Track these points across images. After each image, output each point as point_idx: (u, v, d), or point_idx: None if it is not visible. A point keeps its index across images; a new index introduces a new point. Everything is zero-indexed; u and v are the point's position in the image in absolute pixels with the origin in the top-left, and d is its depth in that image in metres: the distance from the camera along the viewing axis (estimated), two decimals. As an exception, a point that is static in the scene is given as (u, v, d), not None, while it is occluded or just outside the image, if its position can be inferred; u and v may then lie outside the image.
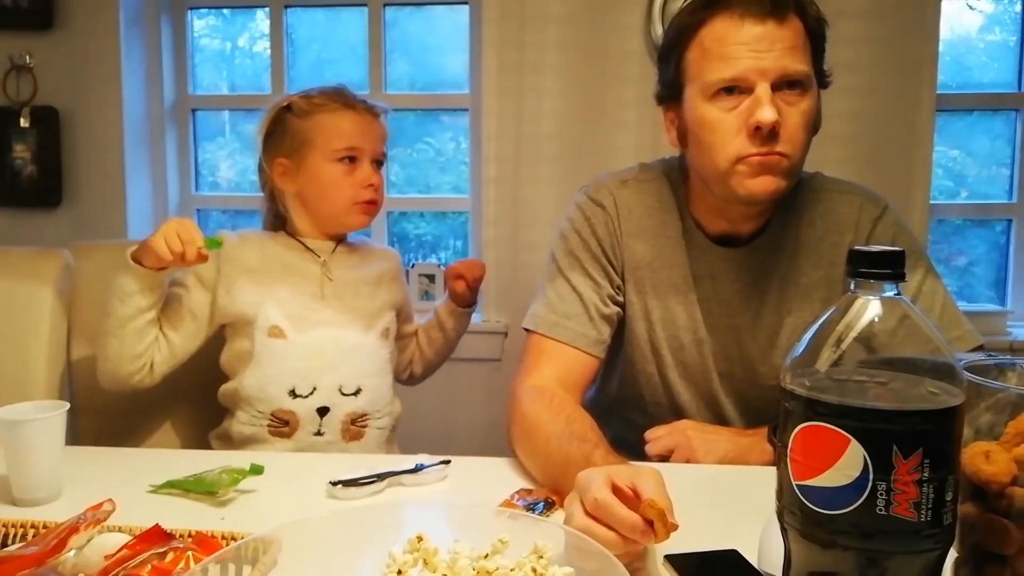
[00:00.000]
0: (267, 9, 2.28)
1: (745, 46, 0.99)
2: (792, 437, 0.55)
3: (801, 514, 0.55)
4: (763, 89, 0.99)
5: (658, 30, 1.95)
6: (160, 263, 1.14)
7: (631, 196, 1.17)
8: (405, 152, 2.44)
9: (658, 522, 0.70)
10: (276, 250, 1.27)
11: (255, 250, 1.26)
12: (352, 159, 1.26)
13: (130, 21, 2.16)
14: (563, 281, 1.15)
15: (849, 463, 0.52)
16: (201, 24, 2.39)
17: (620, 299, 1.17)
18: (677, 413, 1.19)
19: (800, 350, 0.56)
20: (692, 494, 0.87)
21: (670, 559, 0.73)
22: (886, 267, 0.55)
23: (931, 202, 2.08)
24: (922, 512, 0.51)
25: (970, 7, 2.17)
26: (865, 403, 0.52)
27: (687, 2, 1.07)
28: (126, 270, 1.16)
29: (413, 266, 2.20)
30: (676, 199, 1.16)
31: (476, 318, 2.15)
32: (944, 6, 1.96)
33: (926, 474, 0.51)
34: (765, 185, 1.02)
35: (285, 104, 1.27)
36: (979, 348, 1.12)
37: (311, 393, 1.20)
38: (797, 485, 0.55)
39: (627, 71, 1.96)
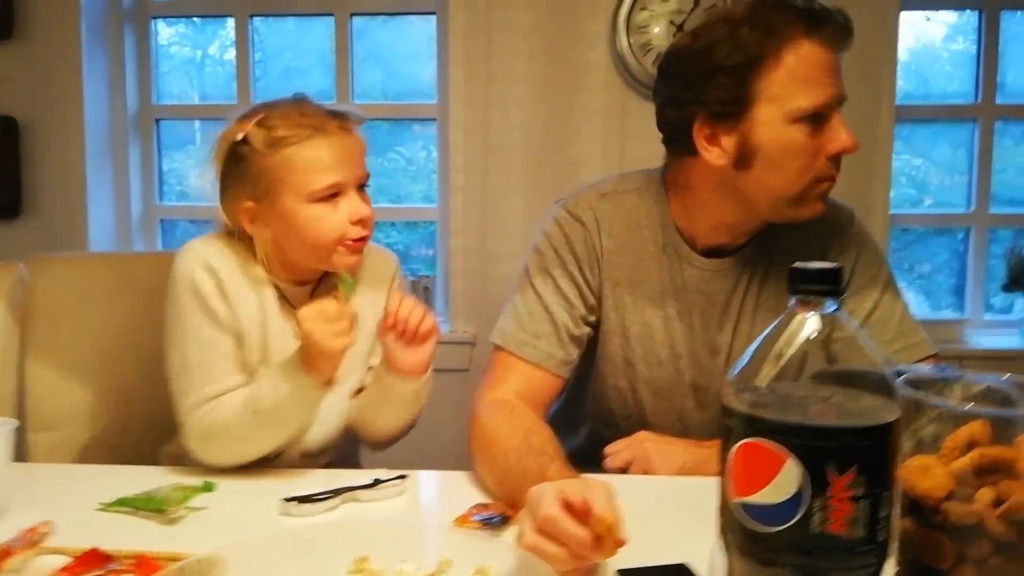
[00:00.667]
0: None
1: (829, 73, 1.01)
2: (732, 454, 0.55)
3: (741, 531, 0.55)
4: (838, 116, 1.03)
5: (623, 41, 1.96)
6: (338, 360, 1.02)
7: (611, 210, 1.15)
8: (376, 161, 2.43)
9: (606, 537, 0.70)
10: (250, 304, 1.08)
11: (239, 302, 1.07)
12: (335, 194, 1.06)
13: (92, 30, 2.13)
14: (535, 298, 1.14)
15: (786, 480, 0.52)
16: (170, 32, 2.37)
17: (592, 319, 1.16)
18: (646, 427, 1.18)
19: (741, 366, 0.57)
20: (649, 506, 0.87)
21: (623, 573, 0.73)
22: (826, 284, 0.56)
23: (892, 211, 2.12)
24: (857, 528, 0.52)
25: (927, 19, 2.21)
26: (800, 420, 0.52)
27: (753, 11, 1.03)
28: (309, 400, 1.03)
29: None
30: (658, 211, 1.15)
31: (443, 328, 2.15)
32: (906, 16, 2.00)
33: (861, 491, 0.52)
34: (821, 209, 1.07)
35: (240, 138, 1.06)
36: (932, 357, 1.13)
37: (276, 456, 1.09)
38: (737, 502, 0.55)
39: (593, 81, 1.98)
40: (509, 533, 0.84)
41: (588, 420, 1.26)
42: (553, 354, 1.11)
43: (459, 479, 1.03)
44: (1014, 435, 0.61)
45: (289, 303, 1.11)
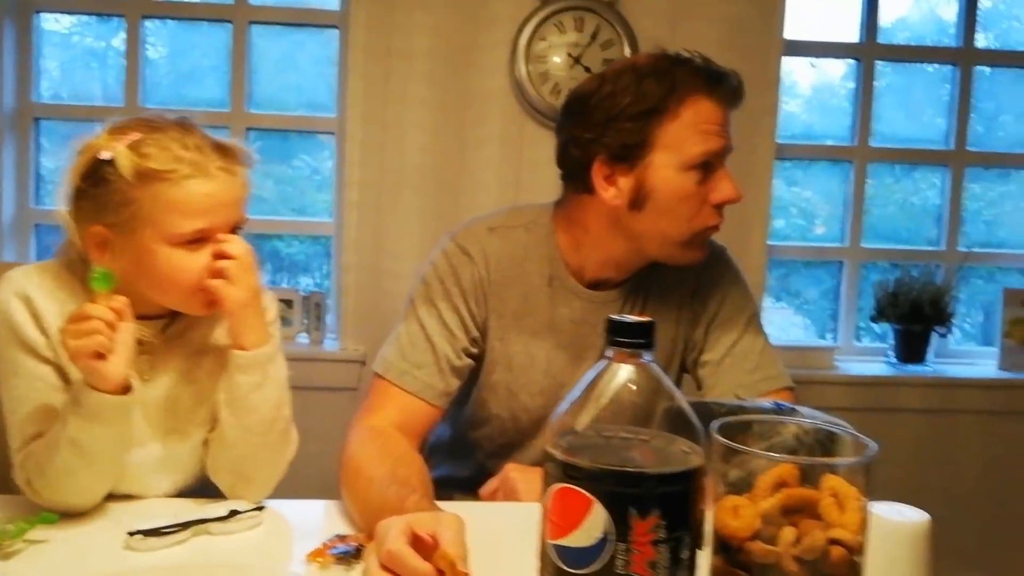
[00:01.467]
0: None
1: (720, 127, 1.09)
2: (548, 496, 0.57)
3: (555, 572, 0.57)
4: (724, 169, 1.10)
5: (522, 70, 2.00)
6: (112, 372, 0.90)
7: (499, 245, 1.18)
8: (280, 168, 2.39)
9: (448, 572, 0.72)
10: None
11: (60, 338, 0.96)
12: (200, 239, 0.97)
13: (-33, 22, 2.01)
14: (418, 328, 1.15)
15: (593, 524, 0.55)
16: (72, 20, 2.26)
17: (475, 350, 1.18)
18: (528, 456, 1.21)
19: (560, 413, 0.59)
20: (513, 533, 0.89)
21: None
22: (640, 337, 0.59)
23: (776, 243, 2.23)
24: (658, 571, 0.55)
25: (812, 65, 2.35)
26: (605, 467, 0.55)
27: (658, 65, 1.09)
28: (101, 414, 0.91)
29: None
30: (547, 245, 1.18)
31: (333, 345, 2.12)
32: (794, 61, 2.12)
33: (662, 534, 0.54)
34: (703, 254, 1.15)
35: (107, 157, 0.94)
36: (787, 389, 1.20)
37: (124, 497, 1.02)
38: (551, 544, 0.57)
39: (491, 108, 2.00)
40: (360, 567, 0.84)
41: (470, 448, 1.27)
42: (432, 385, 1.12)
43: (321, 508, 1.02)
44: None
45: None
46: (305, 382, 1.93)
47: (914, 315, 2.15)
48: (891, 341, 2.23)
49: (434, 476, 1.13)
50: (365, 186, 2.01)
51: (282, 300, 2.09)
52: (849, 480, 0.63)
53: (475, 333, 1.17)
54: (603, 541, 0.54)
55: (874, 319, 2.22)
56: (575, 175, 1.14)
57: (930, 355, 2.21)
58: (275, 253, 2.51)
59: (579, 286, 1.18)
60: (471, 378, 1.20)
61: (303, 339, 2.13)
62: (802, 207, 2.55)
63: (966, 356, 2.30)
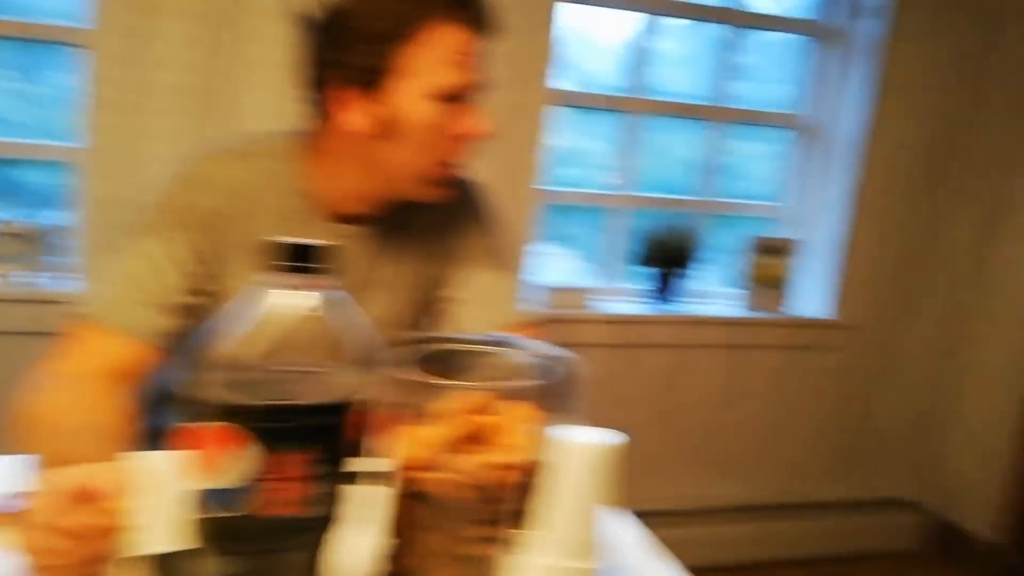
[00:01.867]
0: None
1: (470, 58, 1.03)
2: (193, 436, 0.53)
3: (203, 518, 0.53)
4: (476, 103, 1.05)
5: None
6: None
7: (239, 172, 1.09)
8: (21, 84, 2.08)
9: (107, 524, 0.66)
10: None
11: None
12: None
13: None
14: (136, 261, 1.04)
15: (238, 463, 0.51)
16: None
17: (208, 288, 1.09)
18: None
19: (203, 343, 0.54)
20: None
21: (133, 558, 0.69)
22: (305, 261, 0.55)
23: (551, 189, 2.30)
24: (308, 507, 0.52)
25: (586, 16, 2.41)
26: (247, 402, 0.52)
27: None
28: None
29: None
30: (292, 176, 1.11)
31: (73, 287, 1.91)
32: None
33: (313, 470, 0.52)
34: (450, 191, 1.10)
35: None
36: (533, 325, 1.23)
37: None
38: (198, 487, 0.53)
39: (263, 30, 1.86)
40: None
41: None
42: (146, 323, 1.03)
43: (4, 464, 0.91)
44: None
45: None
46: (34, 327, 1.75)
47: (669, 259, 2.32)
48: (649, 283, 2.39)
49: (158, 425, 1.05)
50: (120, 108, 1.81)
51: (7, 234, 1.85)
52: (540, 406, 0.65)
53: (206, 268, 1.08)
54: (249, 480, 0.51)
55: (635, 262, 2.38)
56: (317, 99, 1.07)
57: (683, 296, 2.40)
58: (12, 181, 2.21)
59: (326, 220, 1.12)
60: (204, 319, 1.11)
61: (32, 279, 1.90)
62: (593, 156, 2.65)
63: (716, 297, 2.53)
